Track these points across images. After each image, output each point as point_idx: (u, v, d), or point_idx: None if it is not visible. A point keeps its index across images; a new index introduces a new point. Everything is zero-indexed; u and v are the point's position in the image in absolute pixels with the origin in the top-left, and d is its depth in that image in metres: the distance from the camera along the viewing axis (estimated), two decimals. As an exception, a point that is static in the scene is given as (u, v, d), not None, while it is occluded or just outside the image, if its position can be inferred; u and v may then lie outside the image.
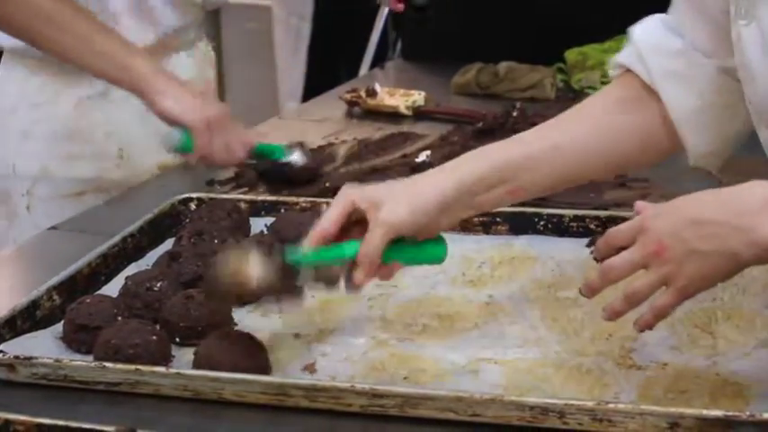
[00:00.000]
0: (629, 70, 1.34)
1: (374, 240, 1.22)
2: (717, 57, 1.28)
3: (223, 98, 4.46)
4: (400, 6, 2.92)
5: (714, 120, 1.30)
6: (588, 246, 1.39)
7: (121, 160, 1.90)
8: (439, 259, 1.30)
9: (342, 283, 1.23)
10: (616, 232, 1.18)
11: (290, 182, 1.83)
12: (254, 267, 1.20)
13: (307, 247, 1.22)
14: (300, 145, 1.87)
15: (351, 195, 1.25)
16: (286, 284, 1.22)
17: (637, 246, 1.15)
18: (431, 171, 1.31)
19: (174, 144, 1.72)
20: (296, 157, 1.84)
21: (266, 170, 1.86)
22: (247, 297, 1.31)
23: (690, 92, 1.30)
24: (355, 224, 1.25)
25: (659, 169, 1.81)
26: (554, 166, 1.31)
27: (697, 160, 1.34)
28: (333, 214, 1.24)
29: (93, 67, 1.73)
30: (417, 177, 1.31)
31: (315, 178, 1.86)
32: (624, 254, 1.16)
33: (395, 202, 1.24)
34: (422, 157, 1.97)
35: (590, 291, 1.20)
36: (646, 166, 1.47)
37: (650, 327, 1.18)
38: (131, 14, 1.86)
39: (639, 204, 1.19)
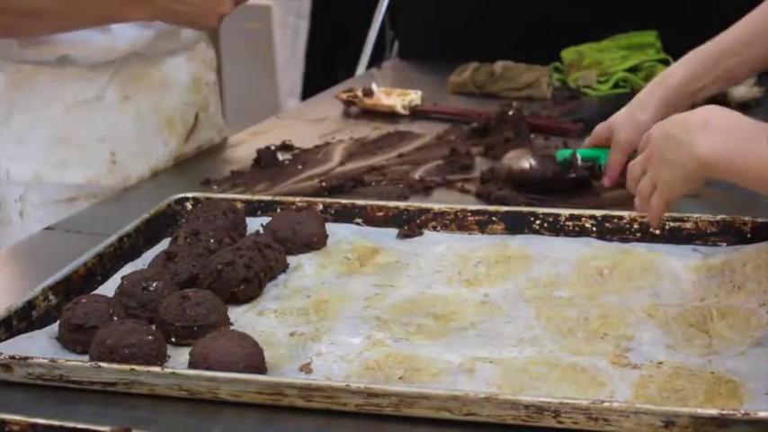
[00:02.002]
0: None
1: (614, 157, 1.73)
2: None
3: (222, 98, 4.46)
4: None
5: None
6: None
7: (114, 165, 1.89)
8: None
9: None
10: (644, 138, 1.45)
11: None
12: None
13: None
14: None
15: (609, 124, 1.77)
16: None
17: (644, 151, 1.42)
18: (650, 85, 1.76)
19: None
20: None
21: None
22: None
23: None
24: None
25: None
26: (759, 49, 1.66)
27: None
28: (600, 131, 1.78)
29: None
30: (638, 98, 1.76)
31: None
32: (637, 158, 1.44)
33: (621, 125, 1.73)
34: None
35: (633, 182, 1.45)
36: None
37: (655, 223, 1.45)
38: None
39: None
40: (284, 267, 1.47)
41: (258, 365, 1.21)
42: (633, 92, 2.40)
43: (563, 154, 1.80)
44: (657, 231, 1.51)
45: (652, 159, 1.38)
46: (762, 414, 1.06)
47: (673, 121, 1.38)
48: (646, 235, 1.51)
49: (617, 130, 1.73)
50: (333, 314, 1.35)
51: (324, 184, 1.83)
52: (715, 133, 1.31)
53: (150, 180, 1.92)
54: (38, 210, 1.86)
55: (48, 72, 1.84)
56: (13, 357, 1.20)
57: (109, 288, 1.39)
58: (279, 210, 1.63)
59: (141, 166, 1.92)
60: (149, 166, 1.93)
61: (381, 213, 1.60)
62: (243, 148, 2.09)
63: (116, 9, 1.76)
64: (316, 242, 1.54)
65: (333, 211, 1.61)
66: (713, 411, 1.07)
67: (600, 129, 1.78)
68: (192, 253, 1.44)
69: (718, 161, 1.31)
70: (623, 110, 1.76)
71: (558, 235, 1.54)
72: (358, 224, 1.60)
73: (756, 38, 1.66)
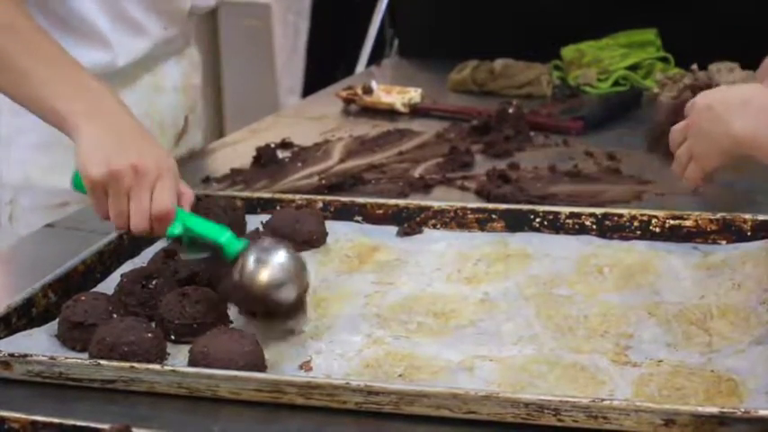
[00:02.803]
0: None
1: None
2: None
3: (221, 97, 4.46)
4: None
5: None
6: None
7: None
8: None
9: None
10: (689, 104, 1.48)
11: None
12: None
13: None
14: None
15: None
16: None
17: (687, 118, 1.45)
18: None
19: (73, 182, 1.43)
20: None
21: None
22: None
23: None
24: None
25: (657, 168, 1.82)
26: None
27: None
28: None
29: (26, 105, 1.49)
30: None
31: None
32: (680, 123, 1.48)
33: None
34: None
35: (674, 146, 1.50)
36: None
37: (691, 185, 1.53)
38: (115, 29, 1.83)
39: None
40: (284, 265, 1.47)
41: (258, 363, 1.20)
42: (633, 90, 2.41)
43: None
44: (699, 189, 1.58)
45: (692, 128, 1.43)
46: (762, 412, 1.05)
47: (716, 94, 1.41)
48: (646, 233, 1.51)
49: None
50: (332, 312, 1.35)
51: (323, 181, 1.83)
52: (752, 113, 1.33)
53: (150, 178, 1.92)
54: (28, 214, 1.85)
55: None
56: (12, 355, 1.20)
57: (108, 286, 1.39)
58: (278, 207, 1.63)
59: None
60: None
61: (381, 211, 1.60)
62: (243, 146, 2.09)
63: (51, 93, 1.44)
64: (315, 240, 1.54)
65: (332, 209, 1.61)
66: (713, 409, 1.07)
67: None
68: (192, 250, 1.44)
69: (751, 141, 1.34)
70: None
71: (557, 233, 1.54)
72: (358, 222, 1.60)
73: None
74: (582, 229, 1.53)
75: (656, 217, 1.51)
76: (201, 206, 1.58)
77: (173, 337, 1.28)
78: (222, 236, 1.31)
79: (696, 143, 1.46)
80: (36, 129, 1.83)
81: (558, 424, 1.09)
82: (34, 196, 1.86)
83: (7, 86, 1.48)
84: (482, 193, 1.77)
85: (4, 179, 1.87)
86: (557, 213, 1.55)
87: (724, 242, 1.48)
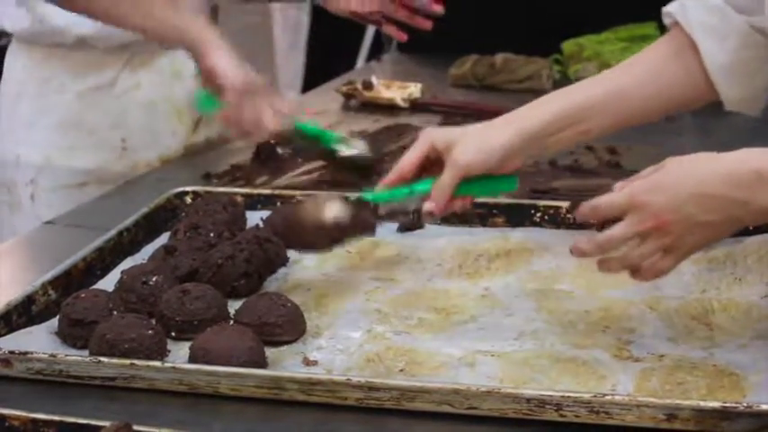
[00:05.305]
0: (677, 21, 1.39)
1: (445, 179, 1.35)
2: (748, 13, 1.34)
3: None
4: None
5: (745, 71, 1.36)
6: (570, 210, 1.38)
7: (124, 152, 1.91)
8: (509, 188, 1.41)
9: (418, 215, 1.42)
10: (607, 206, 1.24)
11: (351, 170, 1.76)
12: (333, 209, 1.38)
13: (381, 186, 1.39)
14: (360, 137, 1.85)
15: (430, 137, 1.38)
16: (364, 222, 1.39)
17: (632, 220, 1.20)
18: (503, 116, 1.41)
19: (197, 103, 1.75)
20: (360, 149, 1.77)
21: (306, 151, 1.83)
22: (333, 236, 1.39)
23: (722, 45, 1.36)
24: (436, 162, 1.38)
25: (658, 162, 1.81)
26: (618, 109, 1.40)
27: (732, 106, 1.40)
28: (412, 156, 1.38)
29: (147, 30, 1.72)
30: (490, 123, 1.41)
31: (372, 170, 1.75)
32: (620, 228, 1.21)
33: (465, 145, 1.36)
34: None
35: (581, 255, 1.26)
36: (689, 109, 1.52)
37: (647, 280, 1.25)
38: None
39: (621, 184, 1.25)
40: (284, 261, 1.47)
41: (258, 360, 1.20)
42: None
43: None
44: None
45: (665, 228, 1.19)
46: (764, 407, 1.05)
47: (698, 180, 1.19)
48: (647, 227, 1.50)
49: (458, 149, 1.36)
50: (333, 308, 1.35)
51: (324, 177, 1.82)
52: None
53: (150, 174, 1.92)
54: (49, 194, 1.88)
55: (62, 57, 1.85)
56: (12, 352, 1.19)
57: (108, 283, 1.39)
58: (279, 203, 1.62)
59: (151, 154, 1.94)
60: (158, 154, 1.95)
61: (381, 206, 1.59)
62: (243, 142, 2.08)
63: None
64: (316, 236, 1.53)
65: (333, 205, 1.61)
66: (715, 404, 1.06)
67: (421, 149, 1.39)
68: (192, 247, 1.44)
69: None
70: (465, 130, 1.39)
71: (558, 228, 1.53)
72: (358, 217, 1.60)
73: (624, 95, 1.40)
74: (583, 224, 1.52)
75: (657, 211, 1.50)
76: (201, 203, 1.58)
77: (173, 334, 1.27)
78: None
79: (689, 238, 1.20)
80: (57, 110, 1.86)
81: (560, 419, 1.09)
82: (54, 176, 1.88)
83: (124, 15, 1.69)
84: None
85: (24, 160, 1.88)
86: (557, 208, 1.54)
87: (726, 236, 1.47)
